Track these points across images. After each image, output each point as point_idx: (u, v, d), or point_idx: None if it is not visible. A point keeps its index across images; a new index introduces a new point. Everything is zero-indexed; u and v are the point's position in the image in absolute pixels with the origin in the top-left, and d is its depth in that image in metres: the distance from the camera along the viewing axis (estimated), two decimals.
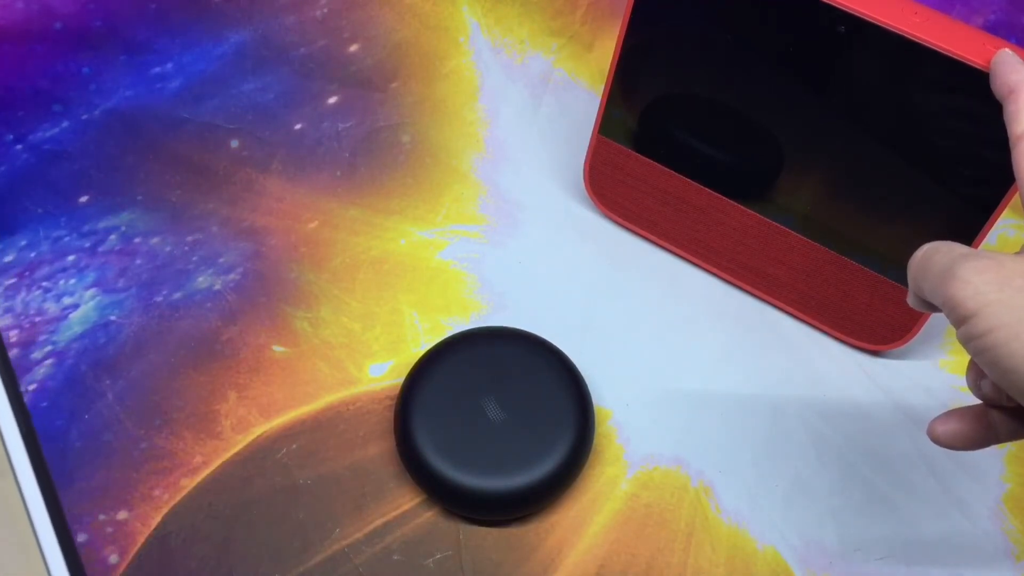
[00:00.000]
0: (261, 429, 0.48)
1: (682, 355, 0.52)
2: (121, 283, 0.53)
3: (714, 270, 0.55)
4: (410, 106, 0.61)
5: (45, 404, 0.48)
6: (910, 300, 0.36)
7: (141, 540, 0.45)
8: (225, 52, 0.62)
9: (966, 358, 0.37)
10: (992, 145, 0.41)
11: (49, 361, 0.50)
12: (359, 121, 0.60)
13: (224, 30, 0.62)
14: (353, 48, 0.63)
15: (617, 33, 0.50)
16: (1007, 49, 0.39)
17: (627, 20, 0.49)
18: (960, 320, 0.32)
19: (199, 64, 0.61)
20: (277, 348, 0.51)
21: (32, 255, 0.54)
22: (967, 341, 0.32)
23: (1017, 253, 0.34)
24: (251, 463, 0.47)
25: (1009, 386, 0.32)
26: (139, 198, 0.56)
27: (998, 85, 0.38)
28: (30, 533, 0.24)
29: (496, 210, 0.57)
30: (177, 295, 0.53)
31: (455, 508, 0.46)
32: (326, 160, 0.58)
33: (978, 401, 0.38)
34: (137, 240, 0.55)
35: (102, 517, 0.45)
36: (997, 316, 0.31)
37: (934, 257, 0.34)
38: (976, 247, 0.45)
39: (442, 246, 0.55)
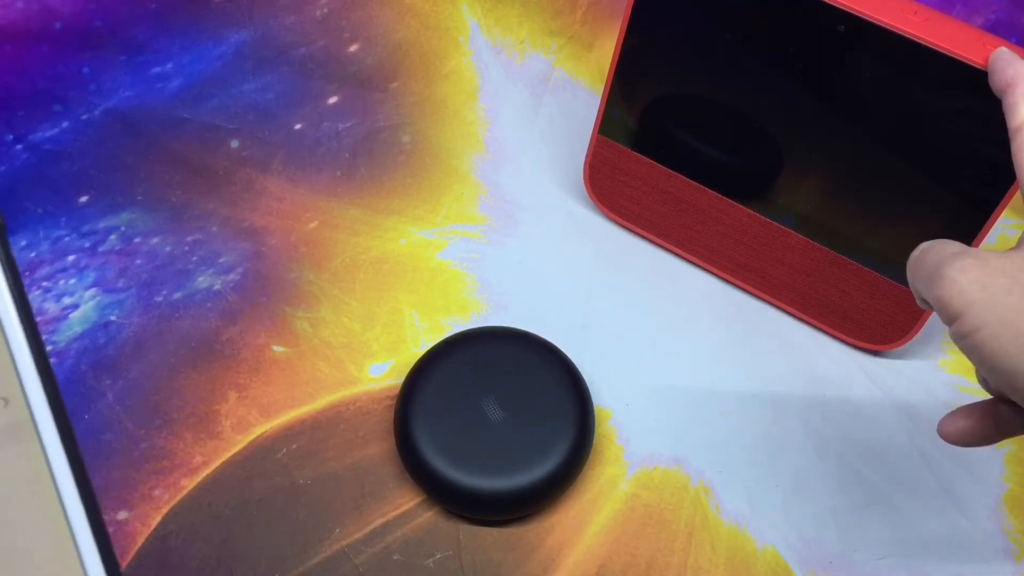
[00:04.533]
0: (261, 429, 0.48)
1: (682, 355, 0.52)
2: (121, 283, 0.53)
3: (714, 270, 0.55)
4: (410, 106, 0.61)
5: None
6: (917, 300, 0.37)
7: (141, 540, 0.45)
8: (225, 52, 0.62)
9: (966, 358, 0.37)
10: (992, 144, 0.41)
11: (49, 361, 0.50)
12: (359, 121, 0.60)
13: (224, 30, 0.62)
14: (353, 48, 0.63)
15: (617, 33, 0.50)
16: (1004, 47, 0.39)
17: (627, 20, 0.49)
18: (949, 320, 0.33)
19: (199, 64, 0.61)
20: (277, 348, 0.51)
21: (32, 255, 0.53)
22: (957, 340, 0.33)
23: (1007, 250, 0.34)
24: (251, 463, 0.47)
25: (998, 382, 0.32)
26: (139, 198, 0.56)
27: (996, 80, 0.38)
28: (56, 502, 0.24)
29: (496, 210, 0.57)
30: (177, 295, 0.53)
31: (455, 508, 0.46)
32: (326, 160, 0.58)
33: (984, 397, 0.38)
34: (137, 240, 0.55)
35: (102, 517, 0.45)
36: (981, 315, 0.31)
37: (926, 257, 0.34)
38: (976, 247, 0.45)
39: (442, 246, 0.55)
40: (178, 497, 0.46)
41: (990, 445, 0.38)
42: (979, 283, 0.32)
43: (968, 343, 0.32)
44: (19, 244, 0.54)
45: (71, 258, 0.54)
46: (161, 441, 0.48)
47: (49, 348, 0.50)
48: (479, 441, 0.46)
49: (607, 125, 0.54)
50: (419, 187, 0.58)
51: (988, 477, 0.48)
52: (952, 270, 0.32)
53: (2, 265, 0.24)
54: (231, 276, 0.54)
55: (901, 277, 0.49)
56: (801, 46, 0.45)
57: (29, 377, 0.24)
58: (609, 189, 0.56)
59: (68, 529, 0.23)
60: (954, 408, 0.39)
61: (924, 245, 0.35)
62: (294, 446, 0.48)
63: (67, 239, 0.54)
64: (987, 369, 0.32)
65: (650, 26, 0.49)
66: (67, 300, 0.52)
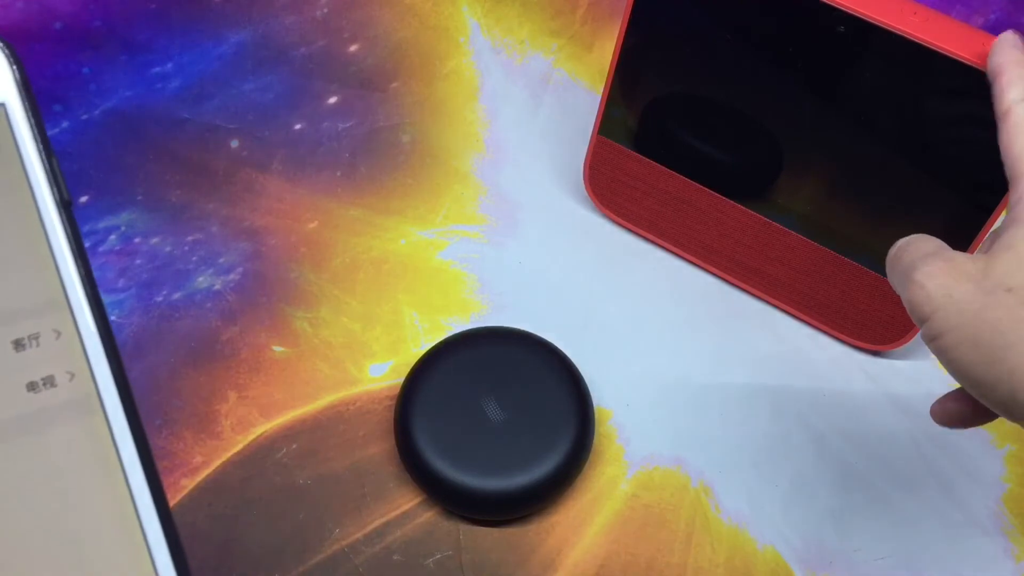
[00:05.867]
0: (261, 429, 0.48)
1: (682, 355, 0.52)
2: (121, 283, 0.53)
3: (714, 270, 0.55)
4: (410, 106, 0.61)
5: None
6: None
7: None
8: (225, 52, 0.62)
9: None
10: (991, 145, 0.41)
11: None
12: (359, 121, 0.60)
13: (224, 30, 0.62)
14: (353, 48, 0.63)
15: (617, 33, 0.50)
16: (1007, 33, 0.39)
17: (627, 20, 0.49)
18: (918, 322, 0.33)
19: (199, 64, 0.61)
20: (277, 348, 0.51)
21: None
22: (926, 343, 0.33)
23: (979, 253, 0.34)
24: (251, 463, 0.47)
25: (963, 385, 0.33)
26: (139, 198, 0.56)
27: (989, 70, 0.38)
28: (120, 477, 0.24)
29: (496, 210, 0.57)
30: (177, 295, 0.53)
31: (455, 508, 0.46)
32: (326, 160, 0.58)
33: None
34: (137, 240, 0.55)
35: None
36: (944, 321, 0.32)
37: (902, 255, 0.35)
38: (975, 247, 0.45)
39: (442, 246, 0.55)
40: (178, 497, 0.46)
41: (982, 424, 0.38)
42: (945, 289, 0.32)
43: (934, 347, 0.33)
44: None
45: None
46: (161, 441, 0.48)
47: None
48: (479, 441, 0.46)
49: (607, 125, 0.54)
50: (419, 187, 0.58)
51: (988, 477, 0.48)
52: (920, 274, 0.33)
53: (69, 242, 0.25)
54: (231, 276, 0.54)
55: None
56: (801, 46, 0.45)
57: (95, 352, 0.25)
58: (609, 189, 0.56)
59: (131, 503, 0.24)
60: None
61: (901, 243, 0.36)
62: (294, 446, 0.48)
63: None
64: (952, 373, 0.33)
65: (650, 26, 0.49)
66: None
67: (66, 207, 0.25)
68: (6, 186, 0.25)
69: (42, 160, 0.25)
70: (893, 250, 0.36)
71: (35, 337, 0.24)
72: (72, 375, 0.25)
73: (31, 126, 0.26)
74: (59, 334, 0.25)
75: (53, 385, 0.24)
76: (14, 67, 0.26)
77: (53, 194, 0.25)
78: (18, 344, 0.24)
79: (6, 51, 0.26)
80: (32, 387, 0.24)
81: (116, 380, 0.25)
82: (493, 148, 0.60)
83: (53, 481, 0.24)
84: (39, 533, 0.24)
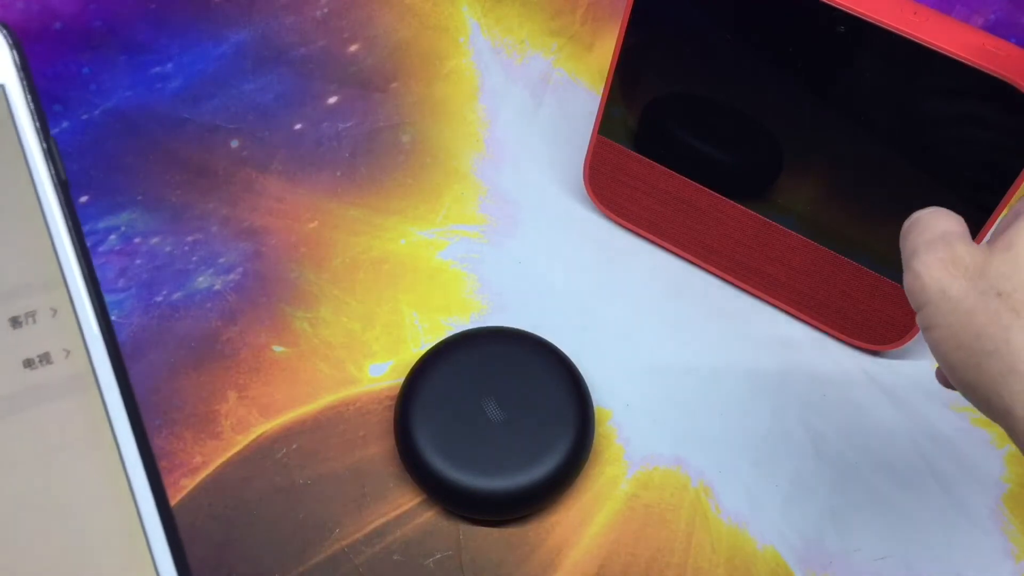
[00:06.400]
0: (261, 429, 0.48)
1: (682, 355, 0.52)
2: (121, 283, 0.53)
3: (714, 270, 0.55)
4: (410, 106, 0.61)
5: None
6: None
7: None
8: (225, 52, 0.62)
9: None
10: (991, 144, 0.41)
11: None
12: (359, 121, 0.60)
13: (224, 30, 0.62)
14: (353, 48, 0.63)
15: (617, 33, 0.50)
16: None
17: (627, 20, 0.49)
18: (913, 308, 0.33)
19: (199, 64, 0.61)
20: (277, 348, 0.51)
21: None
22: (920, 328, 0.33)
23: (983, 244, 0.33)
24: (251, 463, 0.47)
25: (950, 379, 0.33)
26: (139, 198, 0.56)
27: None
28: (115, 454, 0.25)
29: (496, 210, 0.57)
30: (177, 295, 0.53)
31: (455, 508, 0.46)
32: (326, 160, 0.58)
33: None
34: (137, 240, 0.55)
35: None
36: (933, 317, 0.32)
37: (908, 235, 0.35)
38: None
39: (442, 246, 0.55)
40: (178, 497, 0.46)
41: None
42: (939, 284, 0.32)
43: (925, 336, 0.33)
44: None
45: None
46: (161, 441, 0.48)
47: None
48: (479, 441, 0.46)
49: (607, 125, 0.54)
50: (419, 187, 0.58)
51: (988, 477, 0.48)
52: (918, 262, 0.33)
53: (65, 221, 0.25)
54: (231, 276, 0.54)
55: (901, 277, 0.49)
56: (801, 46, 0.45)
57: (91, 329, 0.25)
58: (609, 189, 0.56)
59: (125, 479, 0.24)
60: (953, 406, 0.39)
61: (913, 217, 0.35)
62: (294, 446, 0.48)
63: None
64: (940, 363, 0.33)
65: (650, 26, 0.49)
66: None
67: (63, 187, 0.26)
68: (4, 166, 0.25)
69: (40, 140, 0.26)
70: (906, 224, 0.35)
71: (32, 314, 0.25)
72: (68, 352, 0.25)
73: (29, 107, 0.26)
74: (55, 312, 0.25)
75: (49, 362, 0.25)
76: (13, 51, 0.26)
77: (50, 173, 0.26)
78: (15, 321, 0.25)
79: (5, 34, 0.26)
80: (29, 364, 0.24)
81: (111, 357, 0.25)
82: (493, 148, 0.60)
83: (49, 457, 0.24)
84: (34, 509, 0.24)
